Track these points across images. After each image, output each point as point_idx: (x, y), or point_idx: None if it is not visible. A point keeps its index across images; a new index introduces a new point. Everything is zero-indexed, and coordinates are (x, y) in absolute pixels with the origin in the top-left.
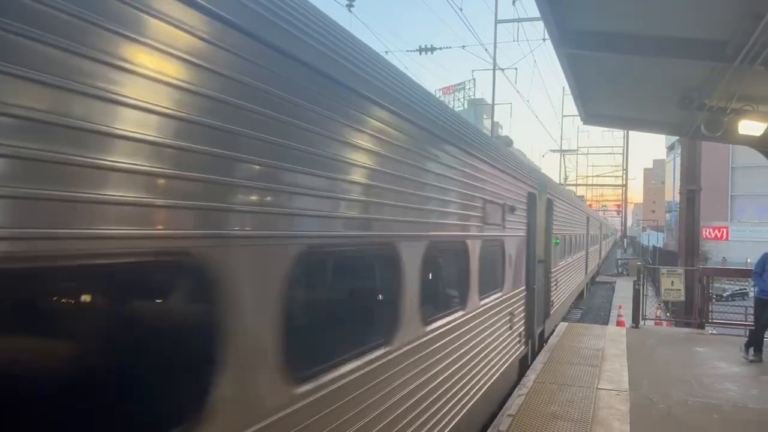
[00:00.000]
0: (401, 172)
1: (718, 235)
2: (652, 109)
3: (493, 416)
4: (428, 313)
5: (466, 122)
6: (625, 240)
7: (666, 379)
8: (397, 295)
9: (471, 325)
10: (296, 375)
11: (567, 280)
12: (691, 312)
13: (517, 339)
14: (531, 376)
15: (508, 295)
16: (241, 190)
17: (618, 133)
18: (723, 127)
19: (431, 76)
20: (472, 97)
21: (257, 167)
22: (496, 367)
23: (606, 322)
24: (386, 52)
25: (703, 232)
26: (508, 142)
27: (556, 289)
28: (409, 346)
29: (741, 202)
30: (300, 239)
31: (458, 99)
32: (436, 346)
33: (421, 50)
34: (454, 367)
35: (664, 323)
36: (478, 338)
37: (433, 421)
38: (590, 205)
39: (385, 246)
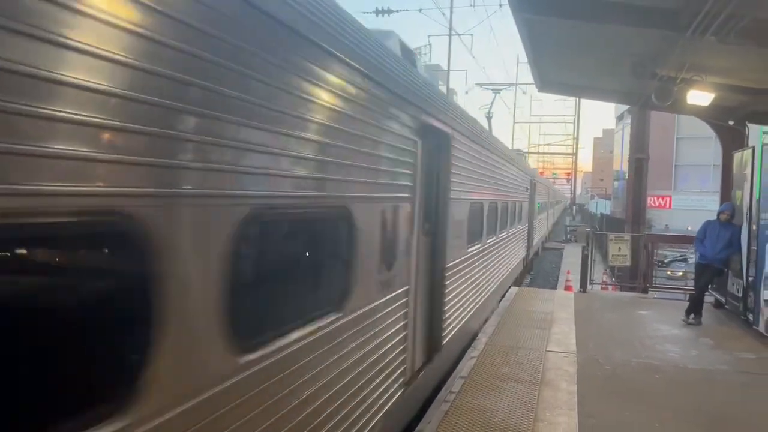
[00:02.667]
0: (356, 130)
1: (662, 204)
2: (605, 77)
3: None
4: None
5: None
6: (574, 207)
7: (611, 341)
8: (349, 261)
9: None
10: (241, 343)
11: (489, 271)
12: (635, 277)
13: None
14: (482, 339)
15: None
16: (180, 144)
17: (570, 103)
18: (673, 96)
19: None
20: (428, 63)
21: (196, 119)
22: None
23: (555, 287)
24: None
25: (648, 201)
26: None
27: (459, 293)
28: (360, 312)
29: (684, 171)
30: (245, 199)
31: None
32: (386, 312)
33: (377, 12)
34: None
35: (610, 288)
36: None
37: (383, 387)
38: (541, 173)
39: (337, 208)
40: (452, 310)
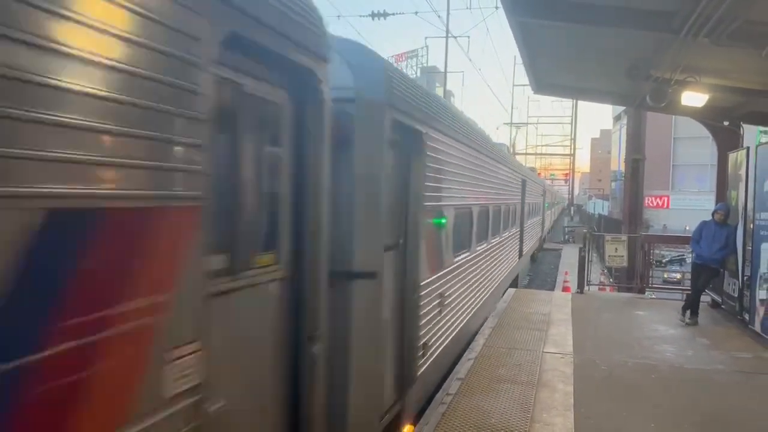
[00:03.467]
0: None
1: (660, 204)
2: (601, 79)
3: (443, 380)
4: None
5: None
6: (572, 208)
7: (608, 342)
8: None
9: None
10: None
11: (472, 286)
12: (632, 277)
13: None
14: (480, 341)
15: None
16: None
17: (567, 103)
18: (667, 97)
19: (384, 43)
20: (425, 65)
21: None
22: None
23: (552, 288)
24: (338, 16)
25: (646, 201)
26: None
27: (439, 314)
28: None
29: (681, 171)
30: None
31: (411, 66)
32: None
33: (373, 15)
34: None
35: (608, 288)
36: None
37: None
38: (539, 174)
39: None
40: (430, 334)
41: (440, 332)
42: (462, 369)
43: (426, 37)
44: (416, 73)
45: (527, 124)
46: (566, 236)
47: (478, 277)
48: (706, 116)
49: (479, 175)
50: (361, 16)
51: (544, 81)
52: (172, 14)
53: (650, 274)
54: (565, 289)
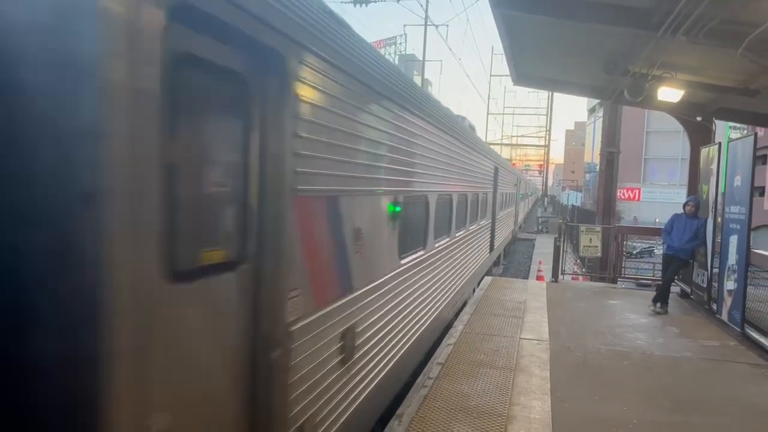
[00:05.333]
0: None
1: (631, 196)
2: (580, 73)
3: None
4: None
5: None
6: (546, 199)
7: (582, 329)
8: None
9: None
10: None
11: (401, 313)
12: (605, 267)
13: None
14: (459, 327)
15: None
16: None
17: (543, 95)
18: (644, 92)
19: (364, 30)
20: (403, 53)
21: None
22: None
23: (526, 277)
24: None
25: (618, 193)
26: None
27: (327, 371)
28: None
29: (653, 165)
30: None
31: (389, 53)
32: None
33: (355, 2)
34: None
35: (581, 278)
36: None
37: None
38: (514, 164)
39: None
40: (307, 407)
41: (341, 403)
42: (442, 354)
43: (405, 25)
44: (394, 60)
45: (503, 114)
46: (540, 226)
47: (430, 284)
48: (680, 111)
49: (428, 153)
50: (342, 2)
51: (524, 72)
52: None
53: (623, 265)
54: (539, 278)
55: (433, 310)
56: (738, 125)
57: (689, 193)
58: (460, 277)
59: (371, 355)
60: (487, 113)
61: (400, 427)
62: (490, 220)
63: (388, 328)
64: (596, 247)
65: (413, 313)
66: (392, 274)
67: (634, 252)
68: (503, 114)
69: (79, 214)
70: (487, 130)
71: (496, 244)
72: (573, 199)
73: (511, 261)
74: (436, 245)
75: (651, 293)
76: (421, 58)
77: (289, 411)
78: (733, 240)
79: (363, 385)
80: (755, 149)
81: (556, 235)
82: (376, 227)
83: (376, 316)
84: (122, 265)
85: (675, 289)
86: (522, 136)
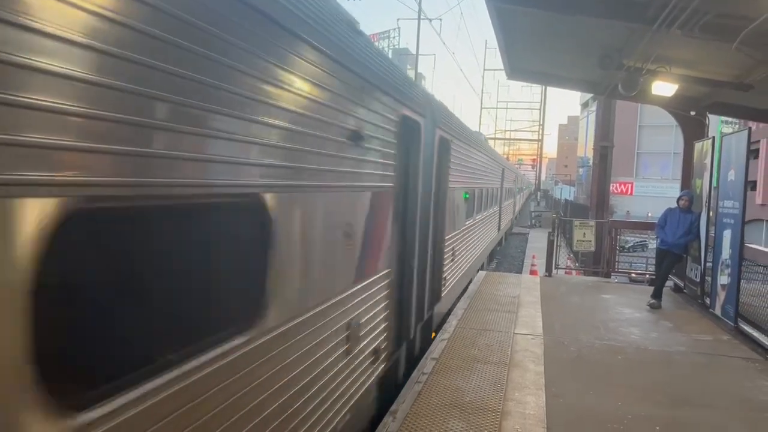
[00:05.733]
0: None
1: (624, 190)
2: (574, 67)
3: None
4: None
5: None
6: (539, 193)
7: (576, 324)
8: None
9: None
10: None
11: (470, 247)
12: (599, 262)
13: None
14: (453, 322)
15: None
16: None
17: (536, 89)
18: (639, 86)
19: (359, 25)
20: (397, 46)
21: None
22: None
23: (520, 271)
24: None
25: (611, 187)
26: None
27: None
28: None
29: (645, 159)
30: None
31: (383, 48)
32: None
33: None
34: None
35: (574, 272)
36: None
37: None
38: (507, 158)
39: None
40: (448, 272)
41: (453, 272)
42: (436, 349)
43: (398, 18)
44: (388, 54)
45: (497, 108)
46: (533, 221)
47: (477, 238)
48: (675, 106)
49: (482, 168)
50: None
51: (518, 66)
52: None
53: (616, 259)
54: (533, 272)
55: (478, 248)
56: (730, 120)
57: (683, 188)
58: (485, 239)
59: (465, 257)
60: (481, 107)
61: (394, 423)
62: (498, 208)
63: (464, 252)
64: (590, 241)
65: (475, 245)
66: (467, 225)
67: (627, 246)
68: (497, 108)
69: None
70: (480, 124)
71: (502, 225)
72: (566, 193)
73: (504, 255)
74: (477, 217)
75: (644, 288)
76: (414, 52)
77: (443, 270)
78: (727, 234)
79: (458, 270)
80: (749, 144)
81: (550, 230)
82: (460, 205)
83: (461, 244)
84: None
85: (668, 283)
86: (515, 130)
